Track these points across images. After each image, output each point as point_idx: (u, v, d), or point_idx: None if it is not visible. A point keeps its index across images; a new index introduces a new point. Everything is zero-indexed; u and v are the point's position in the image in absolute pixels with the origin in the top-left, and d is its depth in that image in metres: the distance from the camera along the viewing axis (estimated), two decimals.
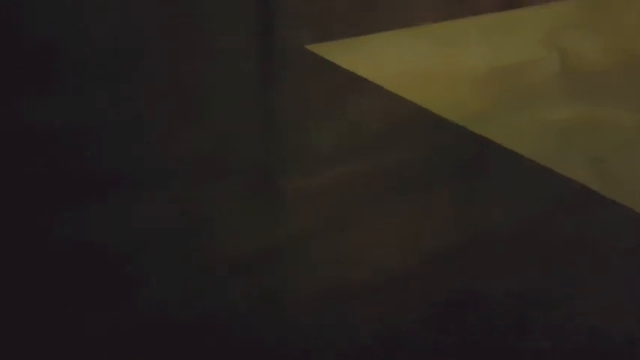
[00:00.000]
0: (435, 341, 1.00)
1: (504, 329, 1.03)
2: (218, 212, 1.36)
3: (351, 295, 1.12)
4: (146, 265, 1.18)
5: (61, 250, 1.21)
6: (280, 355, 0.97)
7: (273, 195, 1.46)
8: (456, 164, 1.60)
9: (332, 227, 1.31)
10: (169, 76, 2.13)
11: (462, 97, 1.98)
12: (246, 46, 2.47)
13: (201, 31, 2.67)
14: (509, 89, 2.05)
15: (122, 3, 3.23)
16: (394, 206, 1.40)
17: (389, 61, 2.31)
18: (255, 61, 2.36)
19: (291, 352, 0.98)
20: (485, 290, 1.13)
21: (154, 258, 1.20)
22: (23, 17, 2.57)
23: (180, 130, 1.73)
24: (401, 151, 1.63)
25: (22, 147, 1.61)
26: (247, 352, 0.98)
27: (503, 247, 1.26)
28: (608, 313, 1.08)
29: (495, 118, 1.83)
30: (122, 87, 2.05)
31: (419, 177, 1.52)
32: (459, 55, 2.38)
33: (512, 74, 2.19)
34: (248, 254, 1.22)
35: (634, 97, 2.02)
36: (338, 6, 3.15)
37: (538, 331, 1.03)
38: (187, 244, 1.25)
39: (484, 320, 1.05)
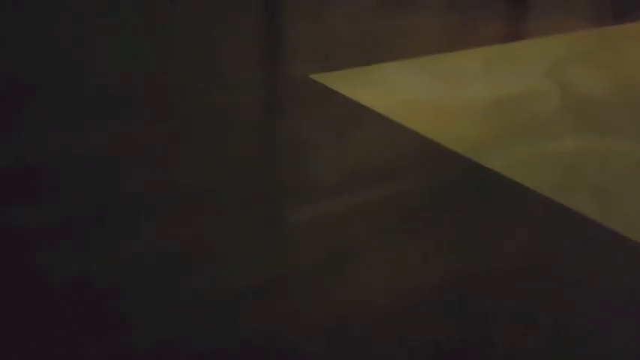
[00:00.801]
0: None
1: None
2: (220, 244, 1.35)
3: (354, 327, 1.10)
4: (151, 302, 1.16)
5: (51, 285, 1.20)
6: None
7: (276, 226, 1.45)
8: (460, 196, 1.59)
9: (335, 259, 1.30)
10: (174, 106, 2.15)
11: (466, 128, 1.99)
12: (251, 76, 2.49)
13: (208, 60, 2.70)
14: (513, 121, 2.06)
15: (128, 33, 3.28)
16: (398, 238, 1.39)
17: (392, 91, 2.32)
18: (260, 90, 2.37)
19: None
20: (489, 320, 1.11)
21: (155, 292, 1.18)
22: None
23: (182, 159, 1.73)
24: (405, 181, 1.63)
25: (9, 180, 1.61)
26: None
27: (509, 280, 1.25)
28: (611, 347, 1.06)
29: (499, 150, 1.83)
30: (122, 119, 2.06)
31: (423, 209, 1.51)
32: (463, 86, 2.40)
33: (516, 106, 2.20)
34: (249, 286, 1.21)
35: (637, 128, 2.02)
36: (342, 37, 3.20)
37: None
38: (189, 275, 1.24)
39: (489, 351, 1.03)
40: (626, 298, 1.21)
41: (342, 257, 1.31)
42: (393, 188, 1.59)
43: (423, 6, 4.38)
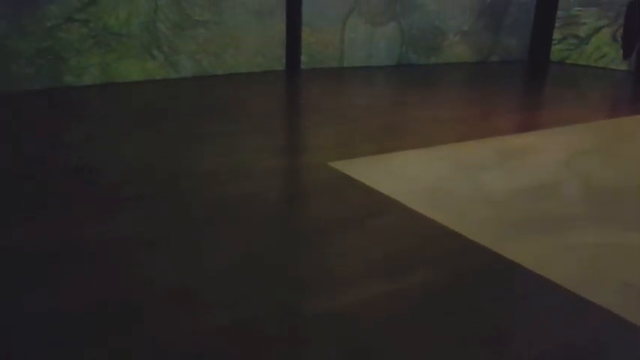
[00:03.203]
0: None
1: None
2: (240, 336, 1.32)
3: None
4: None
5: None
6: None
7: (294, 318, 1.42)
8: (482, 288, 1.56)
9: (354, 353, 1.26)
10: (197, 195, 2.19)
11: (486, 217, 1.98)
12: (272, 164, 2.54)
13: (232, 152, 2.77)
14: (534, 211, 2.05)
15: (154, 121, 3.41)
16: (418, 332, 1.35)
17: (411, 178, 2.35)
18: (279, 179, 2.41)
19: None
20: None
21: None
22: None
23: (203, 247, 1.74)
24: (426, 273, 1.60)
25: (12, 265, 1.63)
26: None
27: None
28: None
29: (520, 241, 1.81)
30: (147, 207, 2.09)
31: (444, 301, 1.48)
32: (482, 175, 2.41)
33: (536, 196, 2.20)
34: None
35: None
36: (360, 127, 3.28)
37: None
38: None
39: None
40: None
41: (364, 351, 1.27)
42: (413, 279, 1.56)
43: (439, 101, 4.51)
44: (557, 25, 6.53)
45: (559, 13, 6.48)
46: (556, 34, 6.57)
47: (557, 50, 6.58)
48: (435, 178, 2.36)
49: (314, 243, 1.77)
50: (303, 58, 5.36)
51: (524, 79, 5.79)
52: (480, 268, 1.65)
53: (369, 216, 1.97)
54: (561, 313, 1.45)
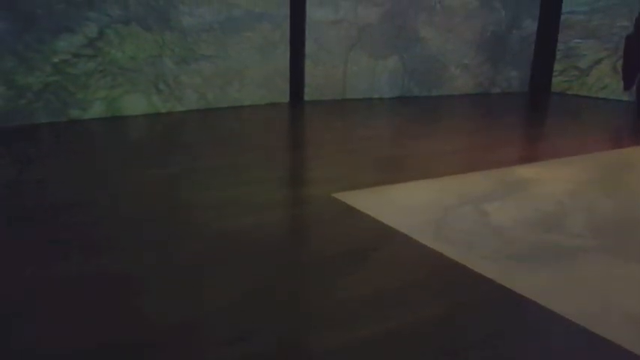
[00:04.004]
0: None
1: None
2: None
3: None
4: None
5: None
6: None
7: (301, 354, 1.40)
8: (488, 322, 1.54)
9: None
10: (201, 227, 2.18)
11: (491, 249, 1.97)
12: (275, 196, 2.54)
13: (237, 185, 2.78)
14: (536, 243, 2.04)
15: (162, 154, 3.43)
16: None
17: (413, 210, 2.34)
18: (282, 210, 2.41)
19: None
20: None
21: None
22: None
23: (206, 280, 1.73)
24: (431, 306, 1.59)
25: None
26: None
27: None
28: None
29: (526, 274, 1.79)
30: (151, 241, 2.09)
31: (450, 335, 1.46)
32: (484, 206, 2.41)
33: (539, 228, 2.19)
34: None
35: None
36: (363, 158, 3.30)
37: None
38: None
39: None
40: None
41: None
42: (420, 313, 1.54)
43: (442, 132, 4.54)
44: (557, 56, 6.62)
45: (559, 45, 6.57)
46: (557, 66, 6.65)
47: (558, 82, 6.64)
48: (439, 209, 2.35)
49: (318, 277, 1.75)
50: (306, 90, 5.42)
51: (526, 111, 5.83)
52: (487, 302, 1.63)
53: (374, 248, 1.95)
54: (569, 348, 1.42)
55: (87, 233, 2.02)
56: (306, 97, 5.44)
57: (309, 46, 5.31)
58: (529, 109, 5.88)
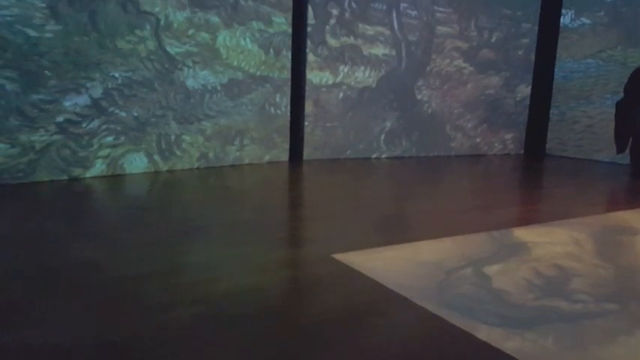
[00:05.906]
0: None
1: None
2: None
3: None
4: None
5: None
6: None
7: None
8: None
9: None
10: (200, 288, 2.16)
11: (493, 314, 1.94)
12: (273, 256, 2.53)
13: (237, 246, 2.77)
14: (539, 308, 2.02)
15: (164, 213, 3.43)
16: None
17: (415, 272, 2.32)
18: (280, 271, 2.38)
19: None
20: None
21: None
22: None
23: (205, 342, 1.70)
24: None
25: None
26: None
27: None
28: None
29: (530, 340, 1.77)
30: (148, 302, 2.06)
31: None
32: (486, 269, 2.39)
33: (542, 292, 2.17)
34: None
35: None
36: (363, 218, 3.30)
37: None
38: None
39: None
40: None
41: None
42: None
43: (441, 193, 4.58)
44: (552, 119, 6.77)
45: (552, 109, 6.74)
46: (551, 129, 6.79)
47: (553, 144, 6.76)
48: (440, 272, 2.34)
49: (315, 342, 1.72)
50: (305, 149, 5.50)
51: (522, 173, 5.89)
52: None
53: (374, 313, 1.93)
54: None
55: (83, 294, 2.00)
56: (306, 157, 5.51)
57: (309, 107, 5.43)
58: (525, 171, 5.95)
